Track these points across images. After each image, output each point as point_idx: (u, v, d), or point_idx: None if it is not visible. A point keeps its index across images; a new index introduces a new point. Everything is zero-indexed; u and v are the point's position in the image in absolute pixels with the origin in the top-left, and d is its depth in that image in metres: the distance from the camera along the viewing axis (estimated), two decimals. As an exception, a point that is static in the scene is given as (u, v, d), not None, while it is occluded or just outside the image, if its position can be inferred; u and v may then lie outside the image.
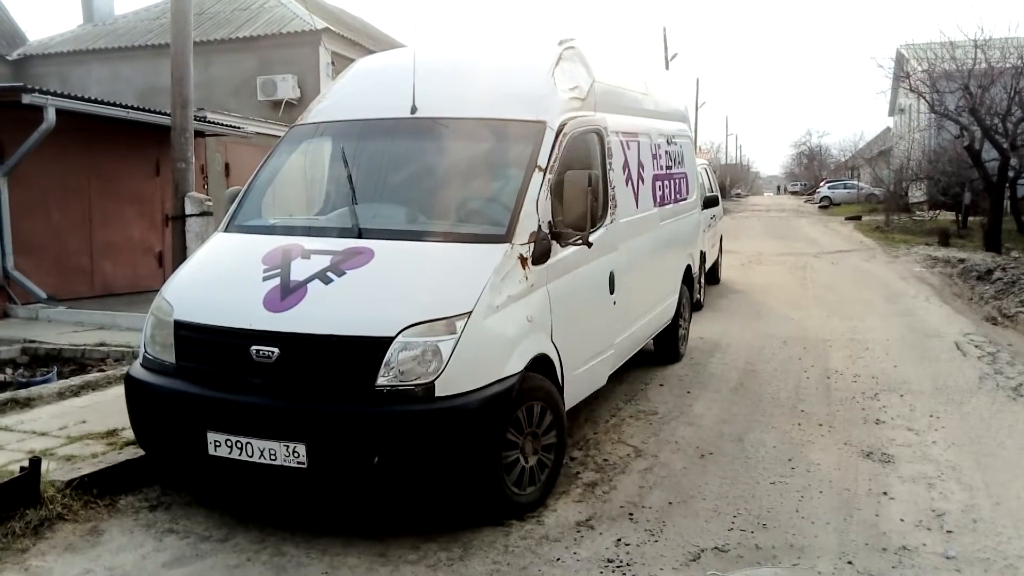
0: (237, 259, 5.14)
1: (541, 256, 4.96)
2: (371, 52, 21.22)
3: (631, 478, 5.35)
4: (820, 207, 49.81)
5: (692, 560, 4.20)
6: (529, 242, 4.87)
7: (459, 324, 4.32)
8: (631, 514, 4.76)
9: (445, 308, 4.36)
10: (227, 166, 15.05)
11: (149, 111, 12.18)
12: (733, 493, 5.09)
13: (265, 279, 4.66)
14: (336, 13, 24.36)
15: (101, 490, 4.83)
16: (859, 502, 4.95)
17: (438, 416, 4.20)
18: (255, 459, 4.28)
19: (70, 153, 11.46)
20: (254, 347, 4.35)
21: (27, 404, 6.32)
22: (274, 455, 4.24)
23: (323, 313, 4.40)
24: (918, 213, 30.73)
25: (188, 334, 4.64)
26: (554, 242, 5.09)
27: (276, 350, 4.31)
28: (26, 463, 4.49)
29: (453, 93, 5.69)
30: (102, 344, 8.82)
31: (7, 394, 6.49)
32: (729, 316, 11.56)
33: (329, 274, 4.59)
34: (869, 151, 58.70)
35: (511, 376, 4.51)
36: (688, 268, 9.07)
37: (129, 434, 5.53)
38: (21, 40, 23.84)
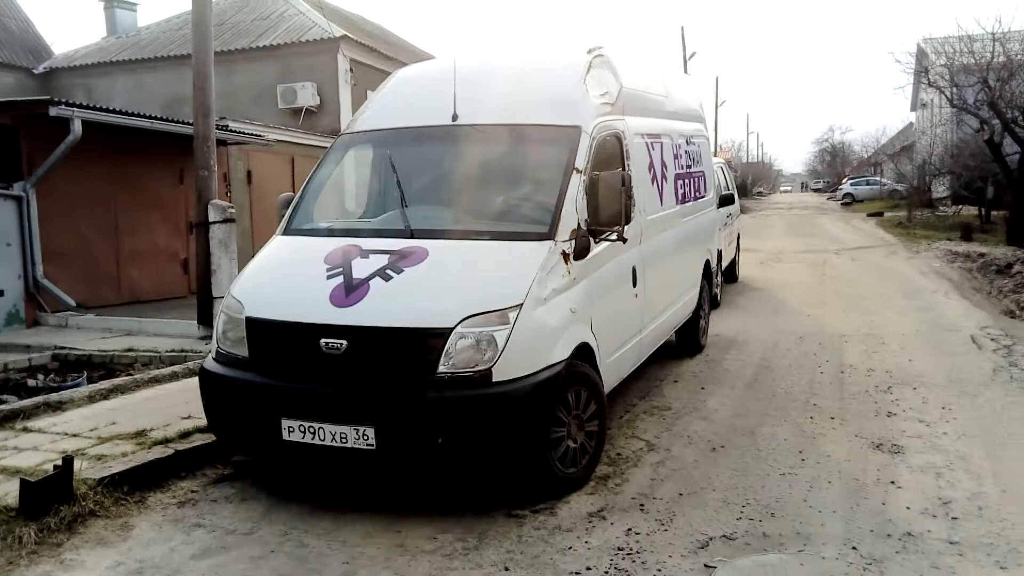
0: (300, 260, 5.49)
1: (581, 252, 5.32)
2: (389, 59, 21.57)
3: (643, 471, 5.47)
4: (843, 204, 49.51)
5: (700, 548, 4.31)
6: (570, 239, 5.23)
7: (511, 315, 4.67)
8: (642, 505, 4.89)
9: (498, 301, 4.71)
10: (249, 174, 15.32)
11: (172, 121, 12.46)
12: (743, 484, 5.20)
13: (329, 277, 5.00)
14: (354, 20, 24.63)
15: (131, 487, 5.03)
16: (867, 491, 5.04)
17: (496, 400, 4.54)
18: (327, 443, 4.63)
19: (96, 163, 11.76)
20: (323, 340, 4.68)
21: (59, 407, 6.54)
22: (345, 438, 4.58)
23: (386, 308, 4.74)
24: (941, 208, 30.50)
25: (260, 329, 4.99)
26: (590, 238, 5.42)
27: (344, 342, 4.65)
28: (59, 462, 4.69)
29: (491, 101, 6.04)
30: (130, 350, 9.07)
31: (39, 398, 6.71)
32: (746, 313, 11.64)
33: (388, 272, 4.94)
34: (892, 147, 58.22)
35: (558, 363, 4.85)
36: (707, 263, 9.46)
37: (157, 434, 5.79)
38: (47, 54, 24.32)
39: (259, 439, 5.02)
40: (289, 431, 4.72)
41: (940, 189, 33.39)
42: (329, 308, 4.79)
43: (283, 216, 6.04)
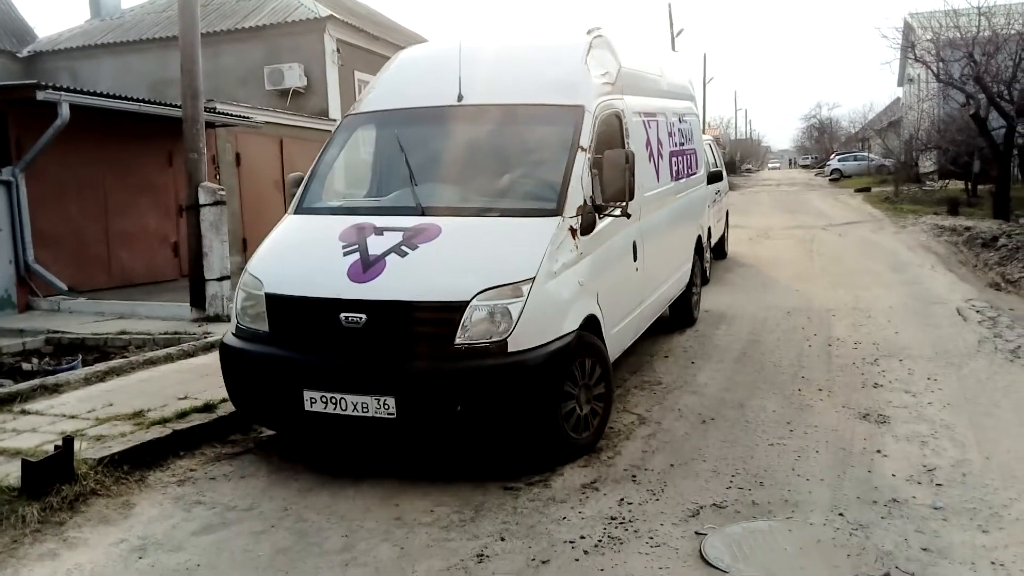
0: (315, 238, 5.63)
1: (588, 227, 5.52)
2: (376, 39, 21.46)
3: (635, 444, 5.57)
4: (830, 180, 49.62)
5: (691, 516, 4.42)
6: (577, 215, 5.41)
7: (524, 288, 4.86)
8: (634, 476, 4.99)
9: (512, 275, 4.89)
10: (238, 156, 15.27)
11: (160, 103, 12.41)
12: (732, 455, 5.30)
13: (346, 254, 5.17)
14: (341, 1, 24.47)
15: (131, 467, 5.11)
16: (853, 460, 5.16)
17: (512, 369, 4.76)
18: (348, 412, 4.84)
19: (84, 147, 11.71)
20: (343, 314, 4.87)
21: (55, 390, 6.59)
22: (366, 408, 4.79)
23: (403, 283, 4.93)
24: (928, 183, 30.66)
25: (280, 305, 5.16)
26: (595, 214, 5.61)
27: (364, 316, 4.83)
28: (59, 443, 4.76)
29: (495, 81, 6.18)
30: (123, 332, 9.10)
31: (36, 381, 6.76)
32: (735, 289, 11.75)
33: (404, 248, 5.11)
34: (879, 122, 58.27)
35: (569, 334, 5.08)
36: (699, 238, 9.71)
37: (155, 414, 5.86)
38: (31, 37, 24.06)
39: (281, 411, 5.20)
40: (311, 402, 4.91)
41: (927, 164, 33.54)
42: (348, 283, 4.96)
43: (294, 195, 6.16)
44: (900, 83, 45.84)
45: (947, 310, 9.66)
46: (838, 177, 49.68)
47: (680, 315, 9.14)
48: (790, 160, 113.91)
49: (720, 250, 14.83)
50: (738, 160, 77.44)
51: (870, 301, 10.40)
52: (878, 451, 5.30)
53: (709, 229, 11.71)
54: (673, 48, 43.22)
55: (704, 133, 13.62)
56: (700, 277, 9.85)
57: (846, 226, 20.54)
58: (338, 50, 20.11)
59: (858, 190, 35.26)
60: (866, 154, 54.88)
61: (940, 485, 4.72)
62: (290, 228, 5.91)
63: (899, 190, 29.86)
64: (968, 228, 16.66)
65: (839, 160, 54.25)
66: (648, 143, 7.34)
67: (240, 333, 5.39)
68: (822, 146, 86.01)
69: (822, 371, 7.28)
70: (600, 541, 4.15)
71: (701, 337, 8.77)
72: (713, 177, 12.66)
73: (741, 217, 22.64)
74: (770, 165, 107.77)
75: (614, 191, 5.58)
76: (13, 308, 10.68)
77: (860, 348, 8.04)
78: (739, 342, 8.50)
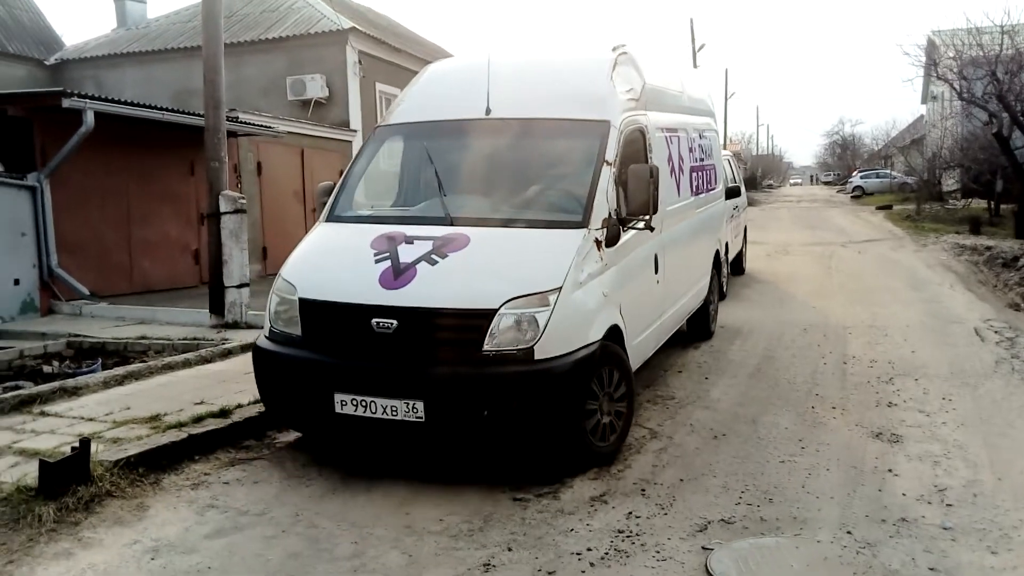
0: (347, 245, 5.77)
1: (612, 239, 5.65)
2: (397, 51, 21.63)
3: (646, 458, 5.58)
4: (852, 197, 49.35)
5: (699, 531, 4.43)
6: (602, 227, 5.54)
7: (551, 298, 4.98)
8: (643, 490, 5.00)
9: (539, 284, 5.02)
10: (259, 165, 15.45)
11: (183, 112, 12.60)
12: (743, 471, 5.31)
13: (377, 261, 5.29)
14: (363, 12, 24.68)
15: (147, 469, 5.17)
16: (864, 478, 5.15)
17: (538, 376, 4.87)
18: (378, 415, 4.96)
19: (108, 154, 11.90)
20: (375, 319, 4.99)
21: (75, 392, 6.69)
22: (395, 411, 4.91)
23: (434, 290, 5.06)
24: (951, 201, 30.45)
25: (313, 310, 5.29)
26: (620, 227, 5.74)
27: (395, 322, 4.95)
28: (76, 444, 4.84)
29: (521, 95, 6.30)
30: (143, 337, 9.23)
31: (55, 383, 6.86)
32: (751, 305, 11.72)
33: (434, 256, 5.24)
34: (902, 139, 57.94)
35: (594, 343, 5.18)
36: (717, 253, 9.84)
37: (171, 418, 5.94)
38: (58, 45, 24.43)
39: (311, 412, 5.32)
40: (342, 404, 5.02)
41: (950, 182, 33.30)
42: (379, 290, 5.09)
43: (323, 204, 6.30)
44: (924, 100, 45.61)
45: (965, 330, 9.60)
46: (860, 194, 49.40)
47: (697, 328, 9.24)
48: (811, 176, 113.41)
49: (738, 265, 14.80)
50: (759, 176, 77.20)
51: (887, 319, 10.35)
52: (889, 470, 5.28)
53: (727, 244, 11.77)
54: (695, 63, 43.29)
55: (724, 148, 13.63)
56: (717, 291, 9.94)
57: (866, 243, 20.44)
58: (360, 61, 20.28)
59: (879, 207, 35.05)
60: (888, 171, 54.57)
61: (951, 505, 4.71)
62: (322, 236, 6.06)
63: (921, 208, 29.65)
64: (989, 247, 16.55)
65: (861, 177, 53.99)
66: (670, 158, 7.44)
67: (273, 336, 5.52)
68: (844, 163, 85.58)
69: (836, 389, 7.26)
70: (607, 554, 4.17)
71: (716, 352, 8.77)
72: (731, 192, 12.65)
73: (760, 233, 22.61)
74: (791, 181, 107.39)
75: (638, 204, 5.69)
76: (36, 312, 10.84)
77: (875, 366, 8.01)
78: (754, 358, 8.49)
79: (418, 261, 5.20)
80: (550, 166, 6.20)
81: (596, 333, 5.22)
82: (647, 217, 5.78)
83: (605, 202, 5.60)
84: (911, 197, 35.69)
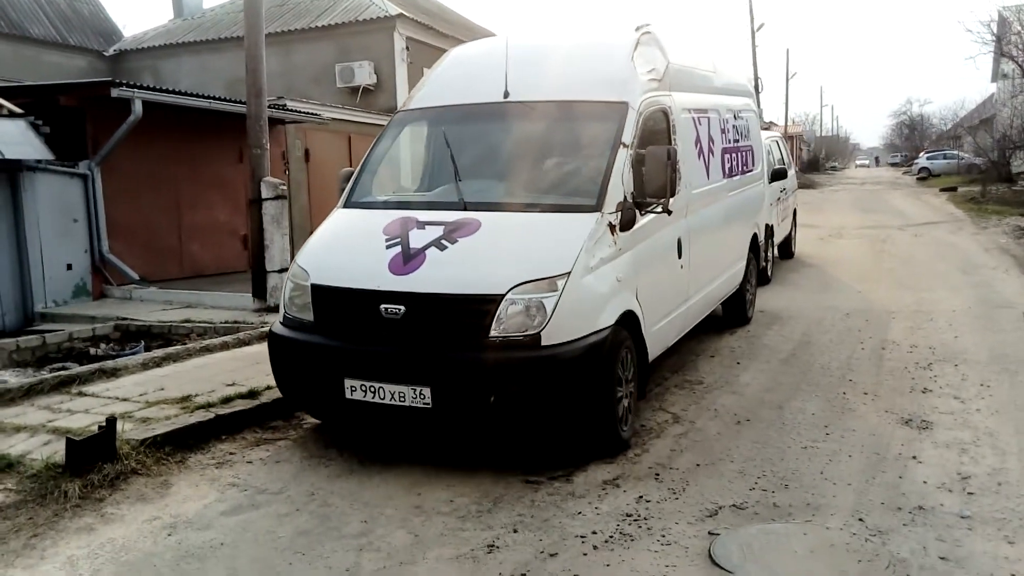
0: (360, 231, 5.80)
1: (627, 223, 5.54)
2: (445, 36, 21.69)
3: (664, 442, 5.55)
4: (918, 179, 48.03)
5: (708, 516, 4.39)
6: (616, 211, 5.44)
7: (560, 283, 4.91)
8: (657, 474, 4.98)
9: (547, 269, 4.94)
10: (307, 152, 15.67)
11: (229, 100, 12.84)
12: (762, 456, 5.24)
13: (388, 247, 5.30)
14: (413, -2, 24.81)
15: (173, 448, 5.34)
16: (885, 466, 5.04)
17: (545, 362, 4.82)
18: (386, 401, 4.98)
19: (158, 142, 12.20)
20: (383, 305, 5.01)
21: (113, 374, 6.91)
22: (403, 397, 4.92)
23: (442, 275, 5.03)
24: (1020, 183, 29.38)
25: (324, 295, 5.33)
26: (636, 210, 5.60)
27: (403, 308, 4.96)
28: (103, 423, 5.00)
29: (541, 78, 6.25)
30: (187, 321, 9.47)
31: (96, 365, 7.10)
32: (795, 289, 11.52)
33: (443, 242, 5.23)
34: (971, 119, 56.10)
35: (605, 329, 5.08)
36: (755, 236, 9.57)
37: (201, 399, 6.10)
38: (117, 36, 25.14)
39: (324, 398, 5.40)
40: (352, 390, 5.06)
41: (1019, 163, 32.14)
42: (388, 276, 5.09)
43: (343, 190, 6.34)
44: (994, 79, 44.00)
45: (1013, 314, 9.28)
46: (926, 176, 48.04)
47: (733, 314, 9.09)
48: (876, 158, 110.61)
49: (786, 249, 14.55)
50: (823, 158, 75.50)
51: (933, 303, 10.07)
52: (913, 457, 5.16)
53: (770, 228, 11.54)
54: (753, 43, 42.50)
55: (785, 130, 13.30)
56: (755, 276, 9.72)
57: (923, 226, 19.88)
58: (407, 47, 20.40)
59: (943, 189, 33.98)
60: (956, 152, 52.88)
61: (972, 494, 4.58)
62: (338, 221, 6.09)
63: (986, 190, 28.68)
64: (1052, 230, 15.96)
65: (928, 158, 52.53)
66: (698, 140, 7.29)
67: (287, 322, 5.58)
68: (912, 144, 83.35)
69: (871, 375, 7.10)
70: (611, 537, 4.17)
71: (751, 337, 8.64)
72: (777, 175, 12.42)
73: (815, 215, 22.18)
74: (857, 163, 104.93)
75: (656, 187, 5.60)
76: (88, 296, 11.21)
77: (915, 352, 7.81)
78: (789, 343, 8.35)
79: (428, 246, 5.20)
80: (566, 149, 6.15)
81: (608, 319, 5.13)
82: (665, 200, 5.70)
83: (620, 185, 5.51)
84: (978, 179, 34.57)
